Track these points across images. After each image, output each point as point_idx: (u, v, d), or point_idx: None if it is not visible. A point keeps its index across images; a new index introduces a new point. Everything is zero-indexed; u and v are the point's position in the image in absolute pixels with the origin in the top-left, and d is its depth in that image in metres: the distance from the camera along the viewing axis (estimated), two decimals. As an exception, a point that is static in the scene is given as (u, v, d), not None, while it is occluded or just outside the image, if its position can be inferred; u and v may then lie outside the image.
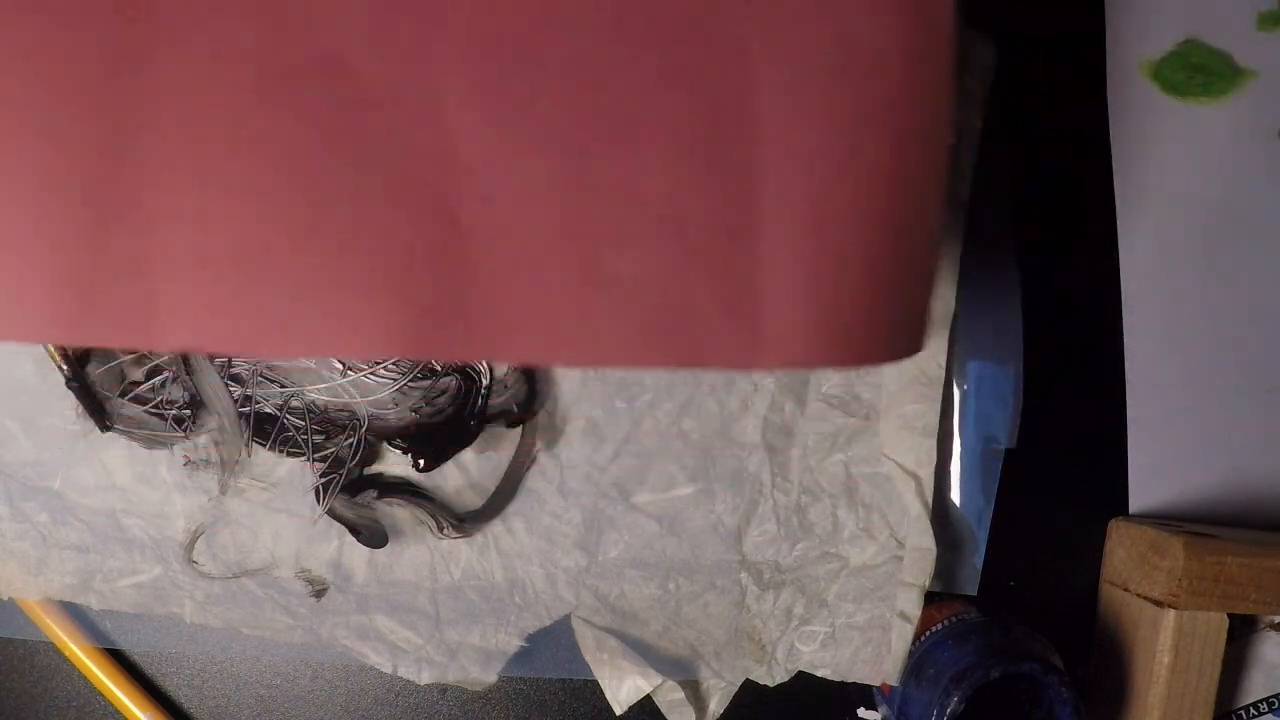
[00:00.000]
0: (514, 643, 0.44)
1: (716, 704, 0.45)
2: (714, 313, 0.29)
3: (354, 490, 0.42)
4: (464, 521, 0.43)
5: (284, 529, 0.44)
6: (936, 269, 0.33)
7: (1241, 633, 0.47)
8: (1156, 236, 0.46)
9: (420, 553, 0.44)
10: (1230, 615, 0.42)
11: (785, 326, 0.30)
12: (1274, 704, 0.47)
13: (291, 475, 0.43)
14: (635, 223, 0.29)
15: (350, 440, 0.42)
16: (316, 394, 0.43)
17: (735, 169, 0.29)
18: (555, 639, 0.45)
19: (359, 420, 0.43)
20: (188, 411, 0.42)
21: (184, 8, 0.28)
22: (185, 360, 0.41)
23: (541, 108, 0.29)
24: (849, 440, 0.44)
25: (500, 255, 0.29)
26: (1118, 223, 0.46)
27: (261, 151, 0.29)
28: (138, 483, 0.43)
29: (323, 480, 0.42)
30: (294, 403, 0.42)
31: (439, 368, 0.43)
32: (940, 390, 0.43)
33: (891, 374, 0.44)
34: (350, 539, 0.43)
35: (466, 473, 0.44)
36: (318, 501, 0.42)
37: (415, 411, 0.43)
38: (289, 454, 0.43)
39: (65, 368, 0.41)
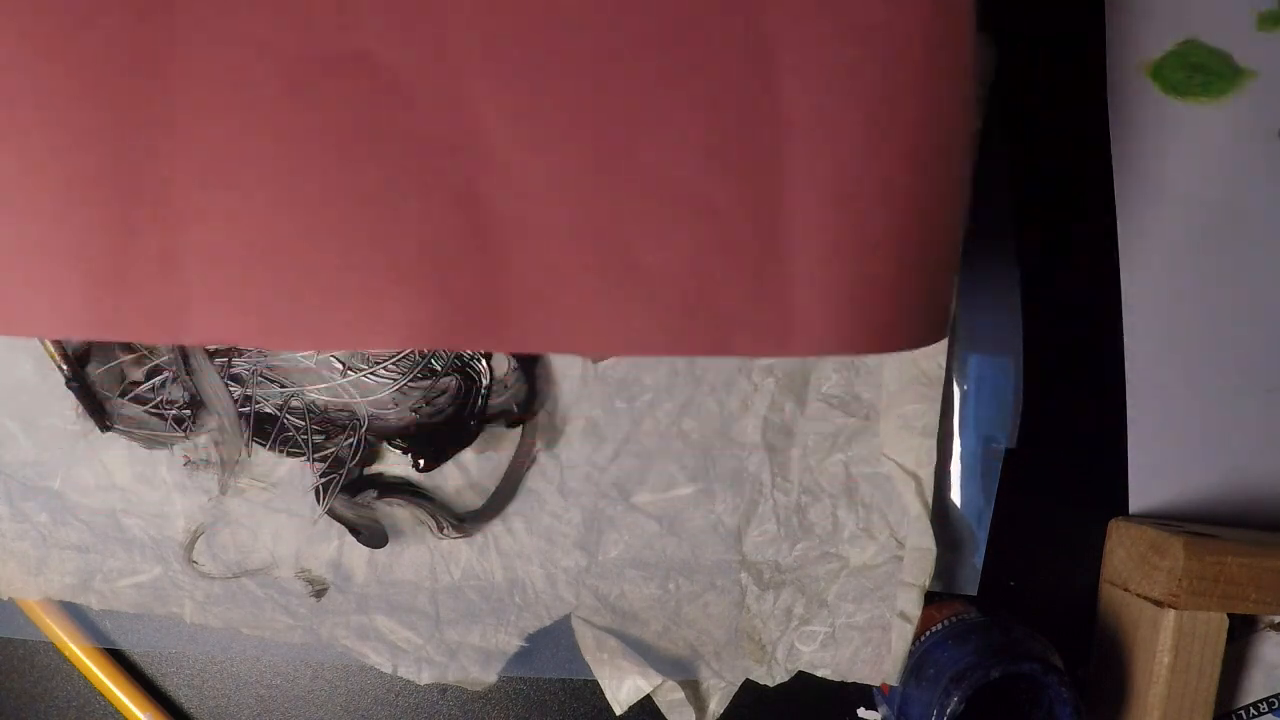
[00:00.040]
0: (514, 643, 0.44)
1: (716, 704, 0.45)
2: (743, 300, 0.29)
3: (354, 490, 0.42)
4: (464, 521, 0.43)
5: (284, 529, 0.44)
6: (959, 256, 0.33)
7: (1241, 633, 0.47)
8: (1156, 236, 0.46)
9: (420, 553, 0.44)
10: (1230, 615, 0.42)
11: (813, 313, 0.30)
12: (1274, 704, 0.47)
13: (291, 475, 0.43)
14: (663, 212, 0.29)
15: (350, 440, 0.42)
16: (316, 394, 0.43)
17: (761, 156, 0.29)
18: (555, 639, 0.45)
19: (359, 420, 0.43)
20: (188, 411, 0.42)
21: (208, 3, 0.28)
22: (185, 360, 0.41)
23: (567, 99, 0.29)
24: (849, 440, 0.44)
25: (528, 246, 0.29)
26: (1118, 223, 0.46)
27: (289, 146, 0.29)
28: (138, 483, 0.43)
29: (323, 480, 0.42)
30: (294, 403, 0.42)
31: (439, 368, 0.43)
32: (940, 390, 0.43)
33: (891, 374, 0.44)
34: (350, 539, 0.43)
35: (466, 473, 0.44)
36: (318, 501, 0.42)
37: (415, 411, 0.43)
38: (289, 454, 0.43)
39: (65, 368, 0.41)
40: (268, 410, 0.42)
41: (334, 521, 0.43)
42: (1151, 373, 0.46)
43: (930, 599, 0.44)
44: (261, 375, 0.42)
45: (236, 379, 0.42)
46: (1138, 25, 0.46)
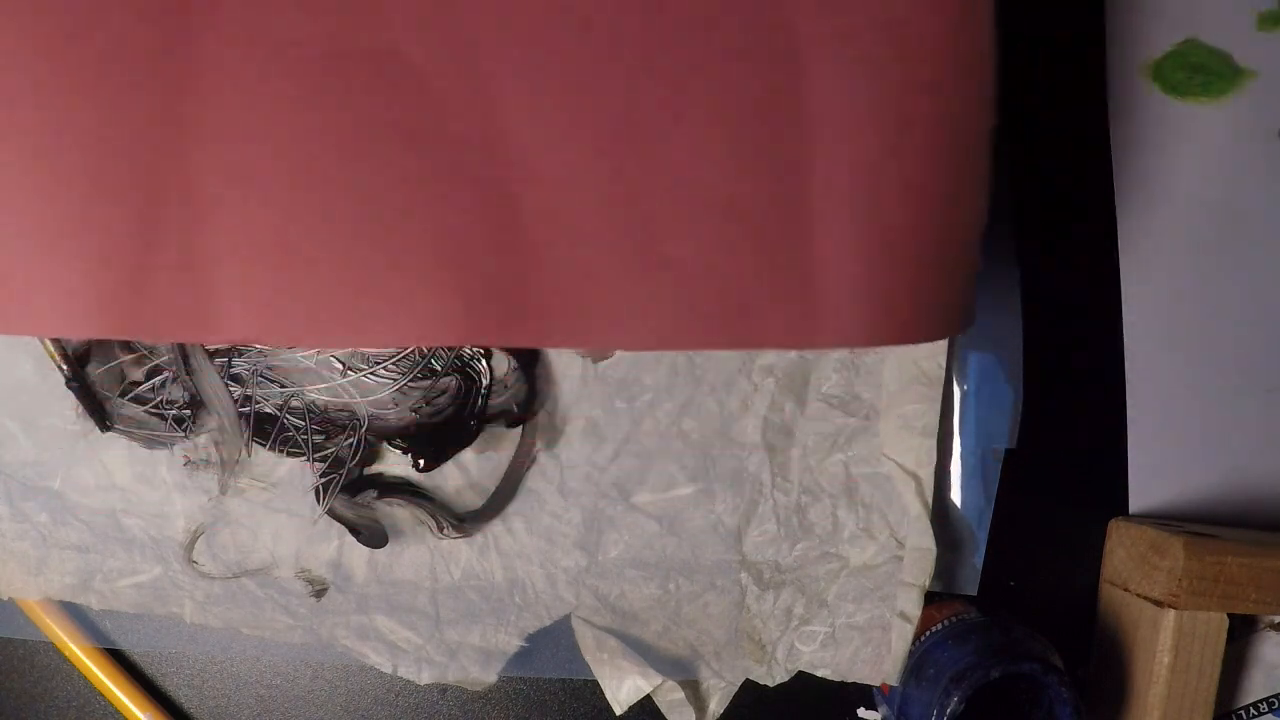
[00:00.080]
0: (514, 643, 0.44)
1: (716, 704, 0.45)
2: (771, 294, 0.29)
3: (354, 490, 0.42)
4: (464, 521, 0.43)
5: (284, 529, 0.44)
6: (980, 249, 0.33)
7: (1241, 633, 0.47)
8: (1156, 236, 0.46)
9: (420, 553, 0.44)
10: (1230, 615, 0.42)
11: (840, 305, 0.30)
12: (1274, 704, 0.47)
13: (291, 475, 0.43)
14: (690, 207, 0.29)
15: (350, 440, 0.42)
16: (316, 394, 0.43)
17: (787, 151, 0.29)
18: (555, 639, 0.45)
19: (359, 420, 0.43)
20: (188, 411, 0.42)
21: (230, 1, 0.28)
22: (185, 360, 0.41)
23: (595, 97, 0.29)
24: (849, 440, 0.44)
25: (558, 242, 0.29)
26: (1118, 223, 0.46)
27: (314, 143, 0.28)
28: (138, 483, 0.43)
29: (323, 480, 0.42)
30: (294, 403, 0.42)
31: (439, 368, 0.43)
32: (940, 390, 0.43)
33: (891, 374, 0.44)
34: (350, 539, 0.43)
35: (466, 473, 0.44)
36: (318, 501, 0.42)
37: (415, 411, 0.43)
38: (289, 454, 0.43)
39: (65, 368, 0.41)
40: (268, 410, 0.42)
41: (334, 521, 0.43)
42: (1151, 373, 0.46)
43: (930, 599, 0.44)
44: (261, 375, 0.42)
45: (236, 379, 0.42)
46: (1138, 25, 0.46)
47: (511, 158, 0.29)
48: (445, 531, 0.43)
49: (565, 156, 0.29)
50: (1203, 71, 0.46)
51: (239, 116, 0.28)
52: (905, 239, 0.30)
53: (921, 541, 0.43)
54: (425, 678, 0.44)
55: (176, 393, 0.42)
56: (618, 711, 0.44)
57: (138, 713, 0.45)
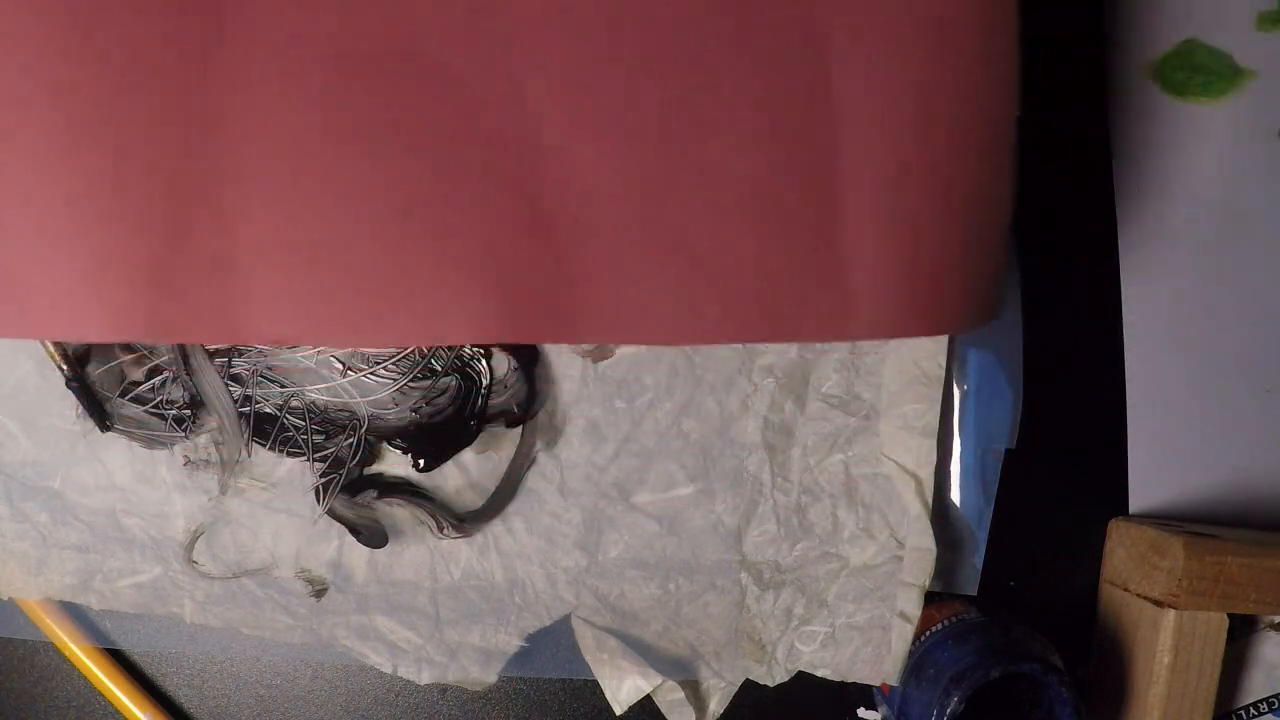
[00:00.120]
0: (514, 643, 0.44)
1: (716, 704, 0.45)
2: (804, 286, 0.30)
3: (354, 490, 0.42)
4: (464, 521, 0.43)
5: (284, 529, 0.44)
6: (1007, 239, 0.33)
7: (1241, 633, 0.47)
8: (1156, 236, 0.46)
9: (420, 553, 0.44)
10: (1230, 615, 0.42)
11: (872, 296, 0.30)
12: (1274, 704, 0.47)
13: (291, 475, 0.43)
14: (723, 202, 0.29)
15: (350, 440, 0.42)
16: (316, 394, 0.43)
17: (816, 145, 0.29)
18: (555, 639, 0.45)
19: (359, 420, 0.43)
20: (188, 411, 0.42)
21: (260, 1, 0.28)
22: (185, 360, 0.41)
23: (622, 91, 0.29)
24: (849, 440, 0.44)
25: (591, 238, 0.29)
26: (1118, 223, 0.46)
27: (343, 142, 0.28)
28: (138, 483, 0.43)
29: (323, 480, 0.42)
30: (294, 403, 0.42)
31: (439, 368, 0.43)
32: (940, 390, 0.43)
33: (891, 374, 0.44)
34: (350, 539, 0.43)
35: (466, 473, 0.44)
36: (318, 501, 0.42)
37: (415, 411, 0.43)
38: (289, 454, 0.43)
39: (65, 368, 0.41)
40: (268, 410, 0.42)
41: (334, 521, 0.43)
42: (1151, 373, 0.46)
43: (930, 599, 0.44)
44: (261, 375, 0.42)
45: (236, 379, 0.42)
46: (1138, 25, 0.46)
47: (544, 156, 0.29)
48: (445, 531, 0.43)
49: (597, 154, 0.29)
50: (1203, 71, 0.46)
51: (269, 118, 0.28)
52: (934, 229, 0.30)
53: (921, 541, 0.43)
54: (425, 678, 0.44)
55: (176, 393, 0.42)
56: (618, 711, 0.44)
57: (138, 713, 0.45)
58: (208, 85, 0.28)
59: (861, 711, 0.47)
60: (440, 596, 0.44)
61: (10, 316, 0.29)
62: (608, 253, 0.29)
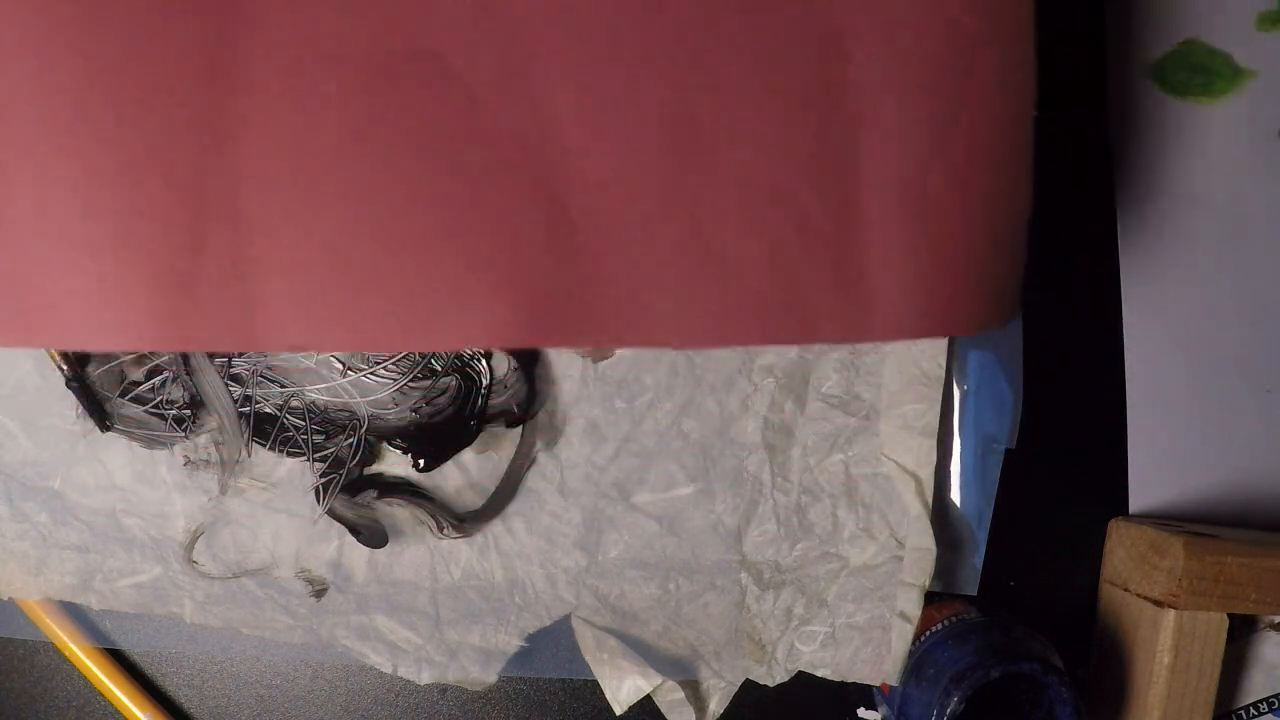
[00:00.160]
0: (514, 643, 0.44)
1: (716, 704, 0.45)
2: (824, 287, 0.29)
3: (354, 490, 0.42)
4: (464, 521, 0.43)
5: (284, 529, 0.44)
6: (1025, 239, 0.33)
7: (1241, 633, 0.47)
8: (1156, 236, 0.46)
9: (420, 553, 0.44)
10: (1230, 615, 0.42)
11: (891, 297, 0.30)
12: (1274, 704, 0.47)
13: (291, 475, 0.43)
14: (742, 204, 0.29)
15: (350, 440, 0.42)
16: (316, 394, 0.43)
17: (835, 145, 0.29)
18: (555, 639, 0.45)
19: (359, 420, 0.43)
20: (188, 411, 0.42)
21: (274, 5, 0.28)
22: (185, 360, 0.41)
23: (640, 92, 0.29)
24: (849, 440, 0.44)
25: (610, 242, 0.29)
26: (1118, 223, 0.46)
27: (360, 147, 0.28)
28: (138, 483, 0.43)
29: (323, 480, 0.42)
30: (294, 403, 0.42)
31: (439, 368, 0.43)
32: (940, 390, 0.43)
33: (891, 374, 0.44)
34: (350, 539, 0.43)
35: (466, 473, 0.44)
36: (318, 501, 0.42)
37: (415, 411, 0.43)
38: (289, 454, 0.43)
39: (65, 368, 0.41)
40: (268, 410, 0.42)
41: (334, 521, 0.43)
42: (1151, 373, 0.46)
43: (930, 599, 0.44)
44: (261, 375, 0.42)
45: (236, 379, 0.42)
46: (1138, 25, 0.46)
47: (563, 158, 0.29)
48: (445, 531, 0.43)
49: (614, 159, 0.29)
50: (1203, 71, 0.46)
51: (286, 125, 0.28)
52: (954, 229, 0.30)
53: (921, 541, 0.43)
54: (425, 678, 0.44)
55: (176, 393, 0.42)
56: (618, 711, 0.44)
57: (138, 713, 0.45)
58: (223, 94, 0.28)
59: (861, 711, 0.47)
60: (440, 596, 0.44)
61: (30, 327, 0.29)
62: (630, 256, 0.29)
